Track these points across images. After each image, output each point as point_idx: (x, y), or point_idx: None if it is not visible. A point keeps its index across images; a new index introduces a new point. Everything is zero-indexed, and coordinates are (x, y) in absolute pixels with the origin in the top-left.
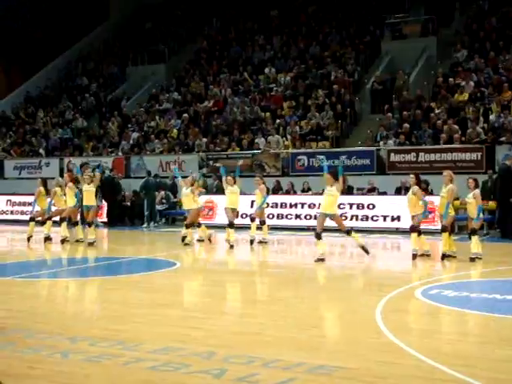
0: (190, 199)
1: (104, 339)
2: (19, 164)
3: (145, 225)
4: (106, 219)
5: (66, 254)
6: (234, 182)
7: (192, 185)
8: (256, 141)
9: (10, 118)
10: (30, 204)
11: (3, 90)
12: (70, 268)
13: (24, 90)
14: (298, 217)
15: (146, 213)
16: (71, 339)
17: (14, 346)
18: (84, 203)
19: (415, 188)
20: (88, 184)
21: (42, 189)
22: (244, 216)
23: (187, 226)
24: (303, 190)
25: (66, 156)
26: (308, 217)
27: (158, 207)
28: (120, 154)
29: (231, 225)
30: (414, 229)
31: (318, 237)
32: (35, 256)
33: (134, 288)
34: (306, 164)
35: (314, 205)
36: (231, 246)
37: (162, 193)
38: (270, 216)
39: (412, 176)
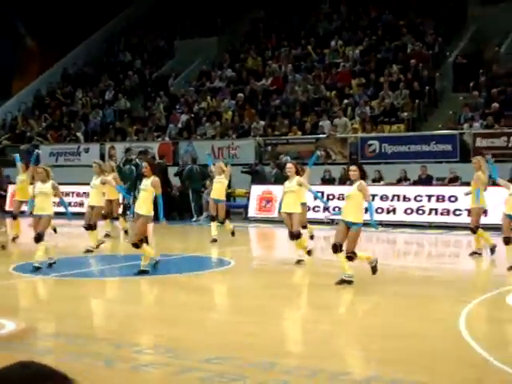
0: (222, 188)
1: (152, 346)
2: (56, 150)
3: (194, 218)
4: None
5: (115, 251)
6: (223, 171)
7: (223, 171)
8: (320, 124)
9: (45, 98)
10: (68, 194)
11: (38, 68)
12: (117, 266)
13: (61, 68)
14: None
15: (192, 204)
16: (116, 345)
17: (53, 354)
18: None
19: None
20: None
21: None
22: (317, 209)
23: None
24: (374, 180)
25: (107, 141)
26: (379, 210)
27: (207, 198)
28: (167, 138)
29: (213, 218)
30: None
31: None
32: (78, 252)
33: (185, 289)
34: (377, 150)
35: (387, 197)
36: (213, 240)
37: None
38: (335, 210)
39: None
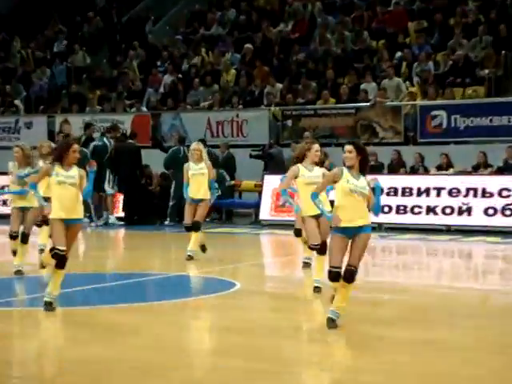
0: (203, 181)
1: None
2: None
3: (167, 220)
4: (122, 214)
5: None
6: (201, 157)
7: (201, 157)
8: (362, 87)
9: None
10: (2, 188)
11: None
12: (79, 290)
13: None
14: (431, 210)
15: (170, 202)
16: None
17: None
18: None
19: None
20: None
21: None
22: None
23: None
24: (440, 167)
25: (57, 113)
26: (448, 210)
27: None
28: (144, 109)
29: (189, 228)
30: None
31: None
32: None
33: (173, 323)
34: (444, 124)
35: (458, 191)
36: (189, 257)
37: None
38: (385, 209)
39: None
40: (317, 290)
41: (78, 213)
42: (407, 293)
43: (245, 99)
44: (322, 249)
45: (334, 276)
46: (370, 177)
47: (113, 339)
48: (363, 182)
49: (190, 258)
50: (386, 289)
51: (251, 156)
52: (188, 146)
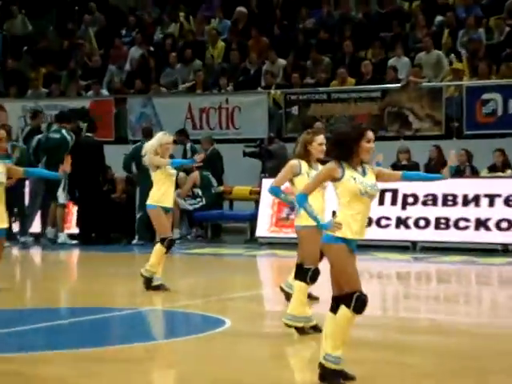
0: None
1: None
2: None
3: (134, 240)
4: (76, 230)
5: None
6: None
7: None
8: (390, 63)
9: None
10: None
11: None
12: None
13: None
14: (481, 224)
15: (137, 215)
16: None
17: None
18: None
19: None
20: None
21: None
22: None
23: None
24: (493, 168)
25: None
26: (504, 225)
27: (185, 204)
28: (105, 91)
29: (163, 241)
30: None
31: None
32: None
33: (143, 375)
34: (499, 111)
35: None
36: (152, 287)
37: (194, 174)
38: (420, 223)
39: None
40: (310, 329)
41: (3, 221)
42: (449, 335)
43: (237, 80)
44: (316, 275)
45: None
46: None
47: None
48: (371, 177)
49: (164, 288)
50: (421, 328)
51: (245, 154)
52: None
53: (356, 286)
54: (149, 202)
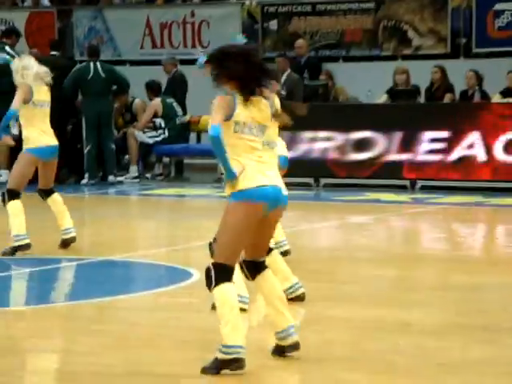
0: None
1: None
2: None
3: (84, 179)
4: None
5: None
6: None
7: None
8: None
9: None
10: None
11: None
12: None
13: None
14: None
15: (85, 149)
16: None
17: None
18: None
19: None
20: None
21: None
22: None
23: None
24: (508, 92)
25: None
26: None
27: (144, 137)
28: (46, 2)
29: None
30: None
31: None
32: None
33: (110, 332)
34: None
35: None
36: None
37: (156, 102)
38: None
39: None
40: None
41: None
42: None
43: None
44: None
45: None
46: None
47: None
48: None
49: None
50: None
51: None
52: (104, 62)
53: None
54: None
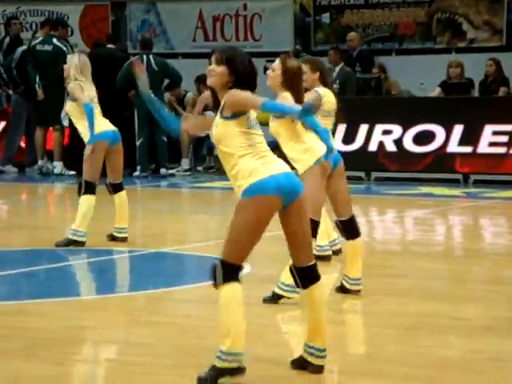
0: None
1: None
2: None
3: (137, 172)
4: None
5: None
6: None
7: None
8: None
9: None
10: None
11: None
12: None
13: None
14: None
15: (137, 141)
16: None
17: None
18: None
19: None
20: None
21: None
22: None
23: None
24: None
25: None
26: None
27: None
28: None
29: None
30: None
31: None
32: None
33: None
34: None
35: None
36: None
37: (206, 94)
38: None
39: None
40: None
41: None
42: None
43: None
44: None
45: None
46: None
47: None
48: None
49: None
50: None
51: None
52: (157, 54)
53: None
54: None
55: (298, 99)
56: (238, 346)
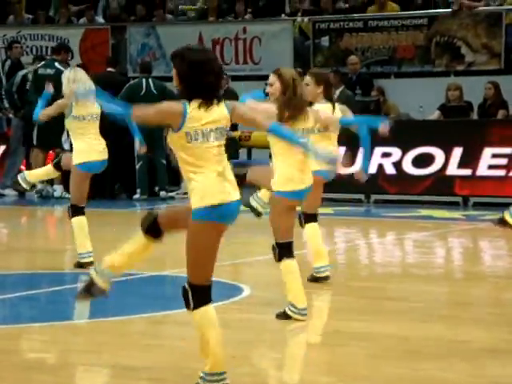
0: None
1: None
2: None
3: (136, 194)
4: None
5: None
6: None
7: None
8: None
9: None
10: None
11: None
12: None
13: None
14: None
15: (137, 164)
16: None
17: None
18: None
19: None
20: None
21: None
22: None
23: None
24: None
25: None
26: None
27: None
28: (100, 19)
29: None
30: None
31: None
32: None
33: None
34: None
35: None
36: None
37: None
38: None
39: None
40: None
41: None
42: None
43: (256, 5)
44: None
45: None
46: None
47: None
48: None
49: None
50: None
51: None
52: (157, 78)
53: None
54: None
55: (296, 105)
56: (219, 366)
